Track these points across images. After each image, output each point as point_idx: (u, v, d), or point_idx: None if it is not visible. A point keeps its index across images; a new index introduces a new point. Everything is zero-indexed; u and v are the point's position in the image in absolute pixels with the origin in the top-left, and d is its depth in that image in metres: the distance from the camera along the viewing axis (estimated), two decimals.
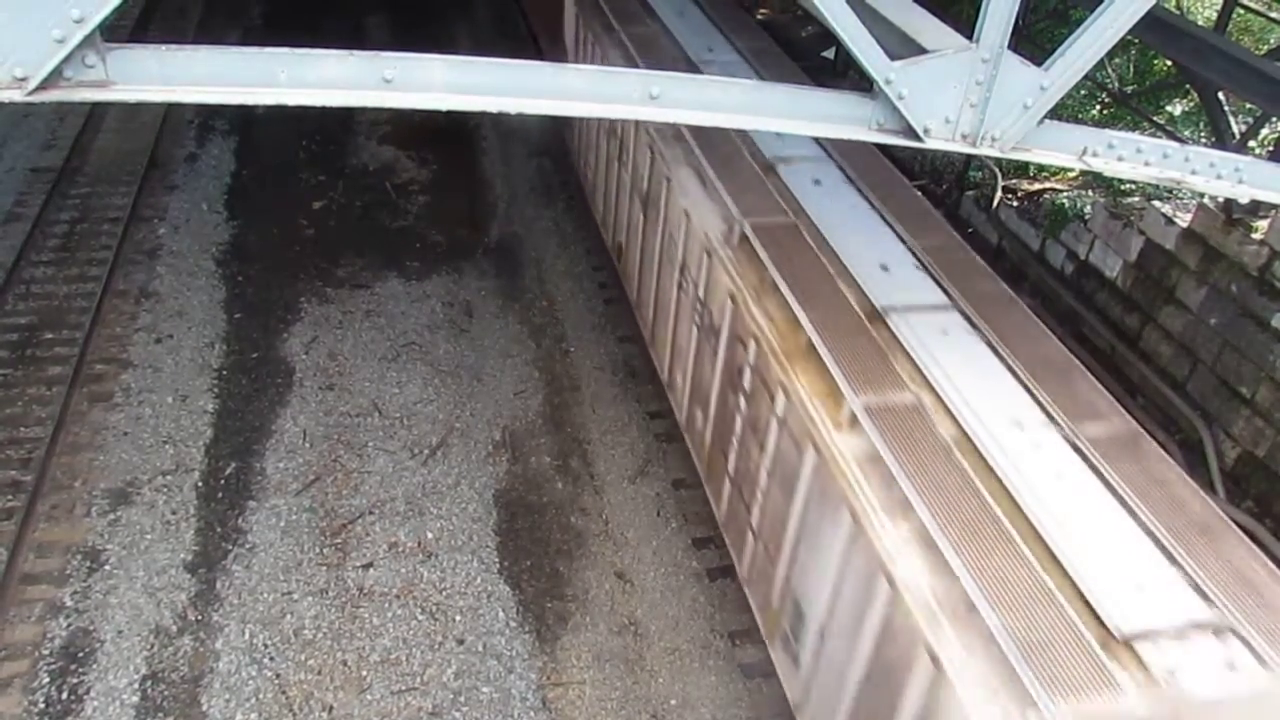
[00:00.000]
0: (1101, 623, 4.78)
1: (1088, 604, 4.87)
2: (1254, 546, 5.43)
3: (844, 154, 9.12)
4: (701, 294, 8.28)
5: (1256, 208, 8.86)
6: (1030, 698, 4.41)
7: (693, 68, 10.50)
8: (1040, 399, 6.25)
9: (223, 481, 9.45)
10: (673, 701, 7.96)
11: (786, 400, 6.58)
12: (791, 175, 8.72)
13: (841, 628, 5.96)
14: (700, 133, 8.97)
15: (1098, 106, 13.82)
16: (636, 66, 9.64)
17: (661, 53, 10.85)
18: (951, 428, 5.97)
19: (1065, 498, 5.51)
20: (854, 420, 6.02)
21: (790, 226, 7.90)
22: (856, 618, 5.67)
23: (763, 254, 7.52)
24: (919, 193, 9.13)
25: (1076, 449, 5.88)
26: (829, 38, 13.41)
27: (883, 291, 7.19)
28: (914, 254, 7.75)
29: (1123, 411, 6.29)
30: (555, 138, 15.29)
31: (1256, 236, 8.97)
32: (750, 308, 7.18)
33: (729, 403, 7.79)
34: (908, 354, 6.57)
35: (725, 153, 8.92)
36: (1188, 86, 12.05)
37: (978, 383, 6.32)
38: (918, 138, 4.53)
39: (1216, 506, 5.68)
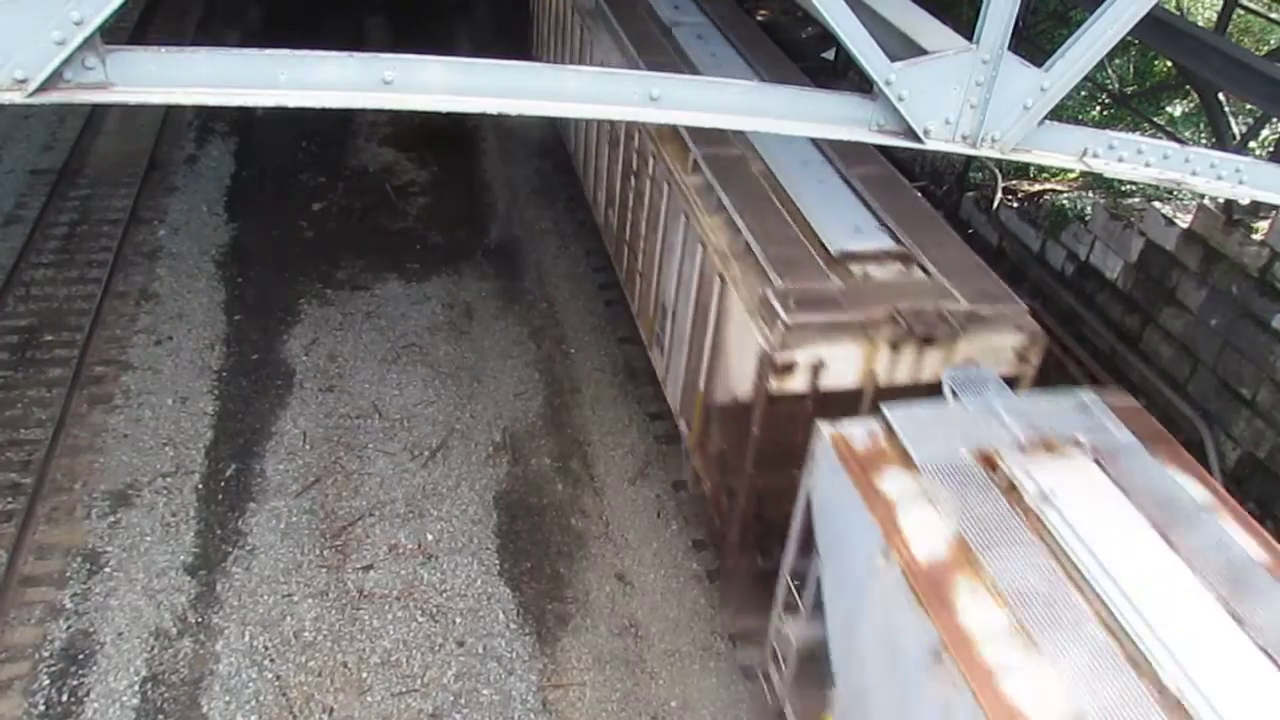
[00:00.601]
0: (827, 251, 7.77)
1: (821, 243, 7.86)
2: (959, 238, 8.26)
3: (729, 24, 11.87)
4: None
5: (1257, 209, 8.85)
6: (770, 281, 7.31)
7: None
8: (826, 154, 9.32)
9: (223, 483, 9.45)
10: (673, 703, 7.96)
11: (655, 162, 9.58)
12: (681, 33, 11.70)
13: (682, 298, 8.99)
14: (617, 7, 11.55)
15: (1098, 107, 13.83)
16: None
17: None
18: (761, 167, 8.96)
19: (825, 198, 8.61)
20: (696, 166, 8.87)
21: (671, 59, 10.85)
22: (688, 283, 8.72)
23: None
24: (758, 28, 12.55)
25: (844, 179, 8.98)
26: (829, 38, 13.42)
27: None
28: (753, 70, 10.77)
29: (889, 165, 9.25)
30: (555, 139, 15.30)
31: (1257, 238, 8.97)
32: None
33: (626, 190, 10.90)
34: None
35: (636, 24, 11.50)
36: (1188, 87, 12.04)
37: (785, 144, 9.19)
38: (918, 139, 4.51)
39: (941, 218, 8.64)
